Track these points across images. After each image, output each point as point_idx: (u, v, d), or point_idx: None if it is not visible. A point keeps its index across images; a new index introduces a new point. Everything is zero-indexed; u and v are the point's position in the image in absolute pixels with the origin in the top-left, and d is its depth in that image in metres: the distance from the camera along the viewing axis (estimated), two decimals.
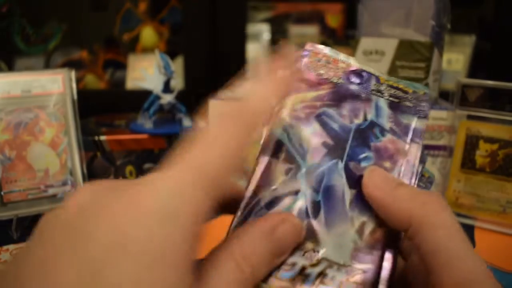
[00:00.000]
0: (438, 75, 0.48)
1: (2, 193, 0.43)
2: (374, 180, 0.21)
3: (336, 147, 0.23)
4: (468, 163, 0.46)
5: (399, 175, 0.22)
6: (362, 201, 0.21)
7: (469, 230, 0.45)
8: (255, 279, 0.18)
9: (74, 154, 0.47)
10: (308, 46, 0.25)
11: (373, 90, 0.24)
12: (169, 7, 0.92)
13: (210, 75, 0.80)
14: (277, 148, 0.22)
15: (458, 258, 0.17)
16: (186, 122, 0.55)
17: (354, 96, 0.24)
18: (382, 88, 0.24)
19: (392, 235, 0.20)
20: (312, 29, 1.11)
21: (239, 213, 0.20)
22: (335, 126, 0.23)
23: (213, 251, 0.18)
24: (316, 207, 0.21)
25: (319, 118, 0.23)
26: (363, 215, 0.21)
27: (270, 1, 1.19)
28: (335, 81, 0.24)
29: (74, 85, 0.48)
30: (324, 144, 0.23)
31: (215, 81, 0.77)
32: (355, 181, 0.22)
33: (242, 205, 0.21)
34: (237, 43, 0.81)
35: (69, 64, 0.84)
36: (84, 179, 0.47)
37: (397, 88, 0.24)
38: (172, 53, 0.61)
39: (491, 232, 0.45)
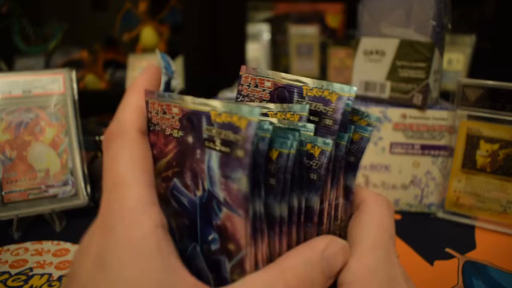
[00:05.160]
0: (438, 75, 0.48)
1: (2, 193, 0.43)
2: None
3: (191, 227, 0.19)
4: (468, 163, 0.46)
5: (243, 263, 0.17)
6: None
7: (469, 230, 0.45)
8: None
9: (74, 154, 0.47)
10: (148, 95, 0.20)
11: (205, 139, 0.18)
12: (169, 7, 0.92)
13: (210, 75, 0.80)
14: None
15: None
16: None
17: (192, 154, 0.19)
18: (214, 132, 0.17)
19: None
20: (312, 29, 1.11)
21: None
22: (185, 201, 0.20)
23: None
24: None
25: (172, 193, 0.20)
26: None
27: (270, 1, 1.19)
28: (175, 135, 0.19)
29: (75, 85, 0.48)
30: (183, 224, 0.20)
31: (215, 81, 0.76)
32: (211, 265, 0.19)
33: None
34: (237, 43, 0.81)
35: (69, 64, 0.84)
36: (84, 179, 0.47)
37: (227, 126, 0.17)
38: (172, 53, 0.61)
39: (491, 232, 0.45)
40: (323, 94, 0.20)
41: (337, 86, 0.20)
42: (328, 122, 0.20)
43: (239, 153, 0.16)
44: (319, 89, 0.20)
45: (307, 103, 0.21)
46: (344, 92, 0.20)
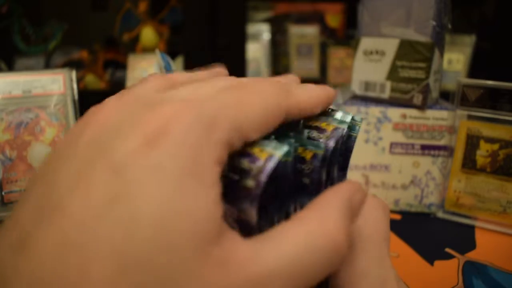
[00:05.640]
0: (438, 75, 0.48)
1: (2, 193, 0.43)
2: None
3: None
4: (468, 163, 0.46)
5: None
6: None
7: (469, 230, 0.45)
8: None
9: None
10: None
11: None
12: (169, 7, 0.92)
13: None
14: None
15: None
16: None
17: None
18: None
19: None
20: (312, 29, 1.11)
21: None
22: None
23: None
24: None
25: None
26: None
27: (270, 1, 1.19)
28: None
29: (75, 85, 0.48)
30: None
31: None
32: None
33: None
34: (237, 43, 0.81)
35: (69, 64, 0.84)
36: None
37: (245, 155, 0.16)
38: (172, 53, 0.61)
39: (491, 232, 0.45)
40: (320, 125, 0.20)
41: (338, 115, 0.20)
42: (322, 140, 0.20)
43: (249, 183, 0.15)
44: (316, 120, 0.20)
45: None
46: (342, 125, 0.20)
